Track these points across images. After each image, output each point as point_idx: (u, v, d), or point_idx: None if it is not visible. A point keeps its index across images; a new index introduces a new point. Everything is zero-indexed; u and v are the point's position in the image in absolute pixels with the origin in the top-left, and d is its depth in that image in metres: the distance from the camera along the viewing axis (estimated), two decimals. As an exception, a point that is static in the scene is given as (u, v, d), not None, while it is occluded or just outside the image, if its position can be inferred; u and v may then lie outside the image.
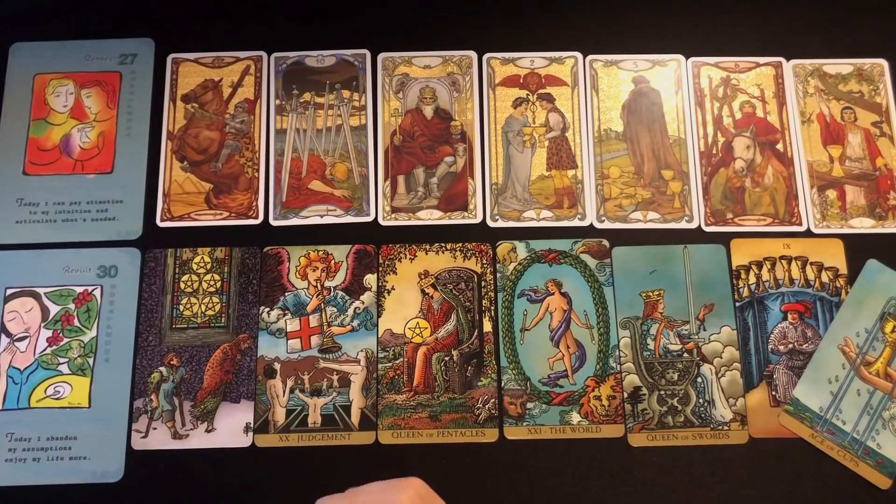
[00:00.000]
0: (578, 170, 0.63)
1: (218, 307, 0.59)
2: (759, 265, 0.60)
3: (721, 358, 0.58)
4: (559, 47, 0.65)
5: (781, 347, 0.58)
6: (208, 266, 0.60)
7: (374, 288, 0.59)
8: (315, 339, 0.58)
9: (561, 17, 0.66)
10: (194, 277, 0.60)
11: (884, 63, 0.65)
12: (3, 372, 0.57)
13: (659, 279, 0.60)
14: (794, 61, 0.65)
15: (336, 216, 0.61)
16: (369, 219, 0.61)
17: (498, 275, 0.60)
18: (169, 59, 0.65)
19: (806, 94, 0.64)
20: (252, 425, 0.56)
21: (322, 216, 0.61)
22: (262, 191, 0.62)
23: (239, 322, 0.59)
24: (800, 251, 0.60)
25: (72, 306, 0.59)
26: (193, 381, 0.57)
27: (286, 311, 0.59)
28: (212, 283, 0.59)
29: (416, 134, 0.63)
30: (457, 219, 0.61)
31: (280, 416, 0.57)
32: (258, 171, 0.62)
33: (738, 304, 0.59)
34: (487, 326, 0.59)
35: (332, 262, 0.60)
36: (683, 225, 0.61)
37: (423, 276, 0.60)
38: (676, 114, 0.64)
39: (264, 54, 0.65)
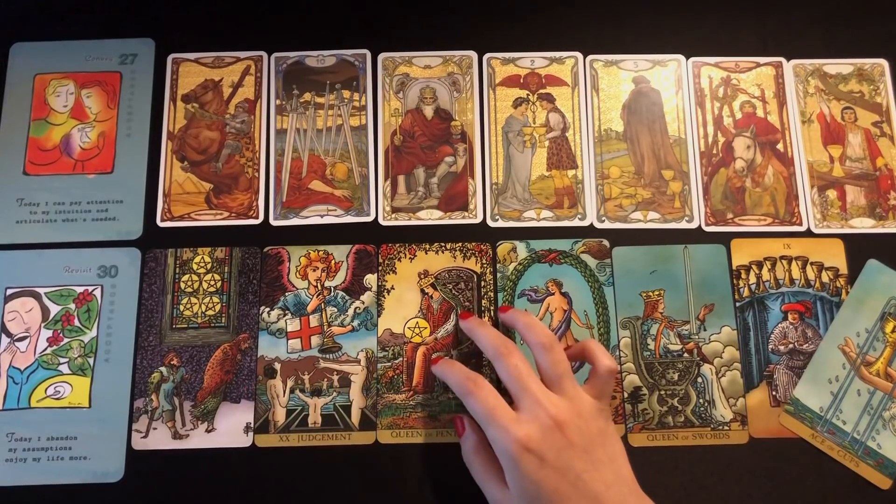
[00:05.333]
0: (579, 170, 0.63)
1: (218, 307, 0.59)
2: (760, 265, 0.60)
3: (721, 358, 0.58)
4: (559, 47, 0.65)
5: (782, 347, 0.58)
6: (208, 266, 0.60)
7: (375, 288, 0.59)
8: (315, 339, 0.58)
9: (561, 17, 0.66)
10: (194, 277, 0.60)
11: (884, 63, 0.65)
12: (3, 372, 0.57)
13: (659, 279, 0.60)
14: (794, 61, 0.65)
15: (336, 216, 0.61)
16: (369, 219, 0.61)
17: (498, 275, 0.60)
18: (169, 59, 0.65)
19: (806, 94, 0.64)
20: (252, 425, 0.56)
21: (322, 216, 0.61)
22: (262, 191, 0.62)
23: (239, 322, 0.59)
24: (800, 251, 0.60)
25: (72, 306, 0.59)
26: (193, 381, 0.57)
27: (286, 311, 0.59)
28: (212, 283, 0.59)
29: (417, 134, 0.63)
30: (457, 219, 0.61)
31: (280, 416, 0.57)
32: (258, 171, 0.62)
33: (738, 304, 0.59)
34: (487, 326, 0.59)
35: (333, 262, 0.60)
36: (683, 225, 0.61)
37: (422, 276, 0.60)
38: (677, 114, 0.64)
39: (264, 54, 0.65)
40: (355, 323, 0.59)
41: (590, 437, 0.47)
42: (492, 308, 0.59)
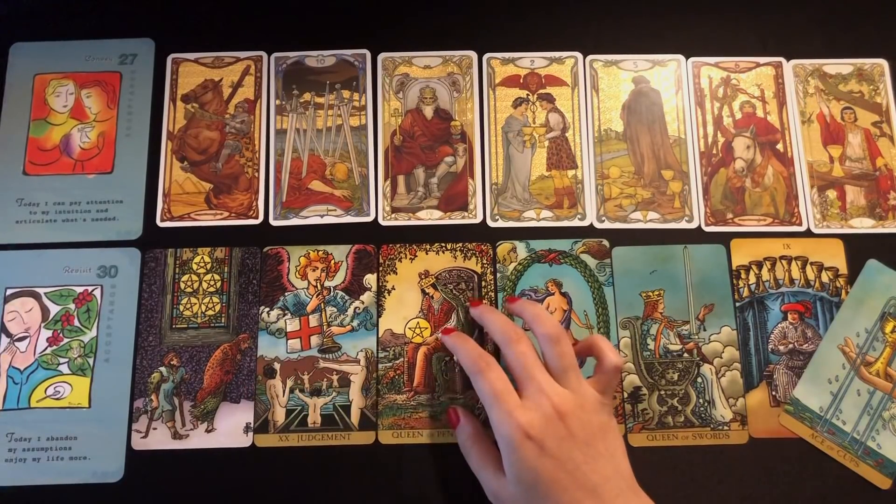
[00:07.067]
0: (578, 170, 0.63)
1: (218, 307, 0.59)
2: (759, 265, 0.60)
3: (721, 358, 0.58)
4: (559, 47, 0.65)
5: (781, 347, 0.58)
6: (208, 266, 0.60)
7: (374, 288, 0.59)
8: (315, 339, 0.58)
9: (561, 17, 0.66)
10: (194, 277, 0.60)
11: (884, 63, 0.65)
12: (3, 372, 0.57)
13: (659, 279, 0.60)
14: (794, 61, 0.65)
15: (336, 216, 0.61)
16: (369, 219, 0.61)
17: (498, 275, 0.60)
18: (169, 59, 0.65)
19: (806, 94, 0.64)
20: (252, 425, 0.56)
21: (322, 216, 0.61)
22: (262, 191, 0.62)
23: (239, 322, 0.59)
24: (800, 251, 0.60)
25: (72, 306, 0.59)
26: (193, 381, 0.57)
27: (286, 311, 0.59)
28: (212, 283, 0.59)
29: (416, 134, 0.63)
30: (457, 219, 0.61)
31: (280, 416, 0.57)
32: (258, 171, 0.62)
33: (738, 304, 0.59)
34: (487, 326, 0.59)
35: (332, 262, 0.60)
36: (683, 225, 0.61)
37: (423, 277, 0.60)
38: (676, 114, 0.64)
39: (264, 54, 0.65)
40: (355, 323, 0.59)
41: (591, 430, 0.47)
42: (492, 308, 0.59)
